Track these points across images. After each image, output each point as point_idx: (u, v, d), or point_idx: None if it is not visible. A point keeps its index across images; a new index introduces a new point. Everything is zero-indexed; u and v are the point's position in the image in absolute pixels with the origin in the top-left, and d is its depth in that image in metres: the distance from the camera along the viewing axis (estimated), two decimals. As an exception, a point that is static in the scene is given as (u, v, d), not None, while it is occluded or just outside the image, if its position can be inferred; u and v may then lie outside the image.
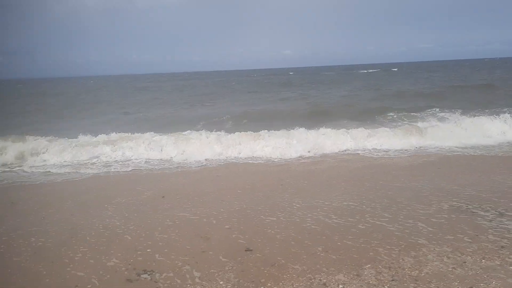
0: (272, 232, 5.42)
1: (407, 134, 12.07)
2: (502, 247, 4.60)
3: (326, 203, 6.55)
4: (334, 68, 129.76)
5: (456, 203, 6.27)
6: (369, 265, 4.29)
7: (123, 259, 4.80)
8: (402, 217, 5.75)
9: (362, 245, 4.84)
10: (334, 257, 4.59)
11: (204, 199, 7.10)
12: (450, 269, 4.11)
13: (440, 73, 55.93)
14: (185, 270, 4.48)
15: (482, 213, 5.77)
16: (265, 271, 4.35)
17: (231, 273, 4.36)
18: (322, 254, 4.66)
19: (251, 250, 4.88)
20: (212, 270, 4.43)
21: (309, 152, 10.86)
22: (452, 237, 4.94)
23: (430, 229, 5.27)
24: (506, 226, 5.24)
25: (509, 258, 4.29)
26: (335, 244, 4.93)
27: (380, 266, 4.26)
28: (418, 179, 7.83)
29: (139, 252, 4.99)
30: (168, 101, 31.55)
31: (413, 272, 4.10)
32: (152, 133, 13.35)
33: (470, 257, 4.33)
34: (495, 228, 5.19)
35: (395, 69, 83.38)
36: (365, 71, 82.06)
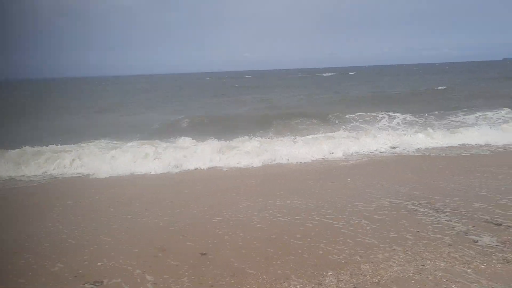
0: (226, 236, 5.30)
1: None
2: (449, 245, 4.70)
3: (277, 203, 6.64)
4: (292, 72, 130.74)
5: (394, 200, 6.49)
6: (330, 273, 4.17)
7: (68, 265, 4.58)
8: (347, 213, 5.94)
9: (312, 245, 4.87)
10: (288, 258, 4.55)
11: (158, 205, 6.84)
12: (411, 275, 4.06)
13: (400, 77, 57.84)
14: (136, 274, 4.30)
15: (421, 209, 5.99)
16: (220, 275, 4.22)
17: (185, 277, 4.22)
18: (275, 257, 4.59)
19: (205, 254, 4.75)
20: (166, 276, 4.26)
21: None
22: (396, 235, 5.04)
23: (374, 226, 5.39)
24: (446, 222, 5.44)
25: (462, 258, 4.32)
26: (285, 244, 4.94)
27: (342, 273, 4.15)
28: (356, 179, 8.04)
29: (86, 257, 4.78)
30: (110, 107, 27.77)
31: (374, 279, 4.03)
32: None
33: (429, 261, 4.31)
34: (435, 224, 5.37)
35: (353, 73, 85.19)
36: (328, 74, 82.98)
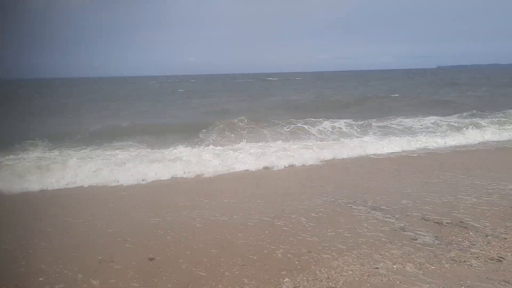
0: (169, 237, 5.24)
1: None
2: (390, 242, 4.88)
3: (213, 202, 6.81)
4: (239, 76, 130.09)
5: (331, 199, 6.77)
6: (287, 279, 4.09)
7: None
8: (287, 212, 6.12)
9: (255, 243, 4.93)
10: (236, 259, 4.51)
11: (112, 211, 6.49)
12: (365, 278, 4.08)
13: (343, 83, 59.52)
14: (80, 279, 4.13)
15: (355, 207, 6.29)
16: (173, 279, 4.09)
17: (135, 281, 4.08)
18: (222, 259, 4.56)
19: (153, 258, 4.62)
20: (112, 280, 4.10)
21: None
22: (334, 233, 5.22)
23: (312, 224, 5.58)
24: (381, 219, 5.72)
25: (413, 259, 4.41)
26: (229, 243, 5.00)
27: (298, 280, 4.08)
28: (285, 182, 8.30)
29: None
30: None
31: (330, 283, 3.99)
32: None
33: (382, 263, 4.35)
34: (370, 220, 5.66)
35: (299, 78, 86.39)
36: (274, 79, 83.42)
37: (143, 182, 8.48)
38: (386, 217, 5.78)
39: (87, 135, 13.95)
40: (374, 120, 16.93)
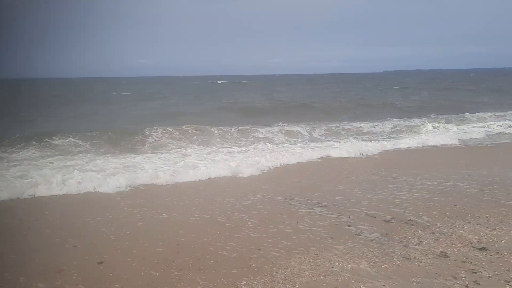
0: (112, 236, 5.24)
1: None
2: (332, 237, 5.08)
3: (154, 200, 6.93)
4: (189, 79, 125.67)
5: (271, 196, 7.00)
6: (244, 282, 4.00)
7: None
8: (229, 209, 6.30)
9: (199, 240, 5.04)
10: (186, 259, 4.53)
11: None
12: (321, 278, 4.09)
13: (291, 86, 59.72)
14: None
15: (295, 203, 6.54)
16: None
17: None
18: (170, 258, 4.57)
19: (102, 262, 4.49)
20: (58, 282, 4.01)
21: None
22: (276, 229, 5.39)
23: (254, 220, 5.75)
24: (323, 215, 5.99)
25: (373, 258, 4.50)
26: (173, 242, 5.03)
27: (255, 282, 4.01)
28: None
29: None
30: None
31: (287, 285, 3.96)
32: None
33: (337, 263, 4.39)
34: (311, 215, 5.95)
35: (244, 81, 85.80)
36: (222, 81, 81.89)
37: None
38: (328, 213, 6.02)
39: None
40: (319, 124, 16.70)
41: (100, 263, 4.47)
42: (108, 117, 21.33)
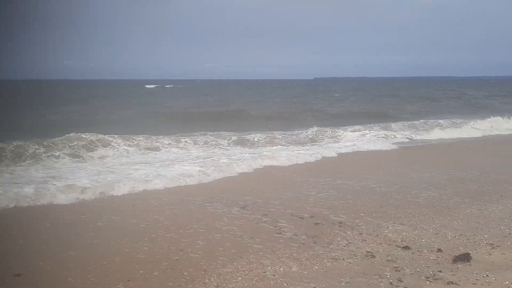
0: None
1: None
2: (251, 237, 5.17)
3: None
4: (121, 82, 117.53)
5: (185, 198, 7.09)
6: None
7: None
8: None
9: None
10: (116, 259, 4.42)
11: None
12: (254, 283, 4.07)
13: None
14: None
15: (210, 204, 6.70)
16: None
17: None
18: (104, 262, 4.40)
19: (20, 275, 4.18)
20: None
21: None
22: (192, 230, 5.47)
23: (168, 222, 5.81)
24: (242, 214, 6.18)
25: (304, 260, 4.56)
26: (110, 249, 4.87)
27: (187, 291, 3.90)
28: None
29: None
30: None
31: (220, 292, 3.89)
32: None
33: (270, 267, 4.40)
34: (228, 215, 6.13)
35: (170, 86, 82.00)
36: (151, 86, 77.75)
37: None
38: (250, 214, 6.17)
39: None
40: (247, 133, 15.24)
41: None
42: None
